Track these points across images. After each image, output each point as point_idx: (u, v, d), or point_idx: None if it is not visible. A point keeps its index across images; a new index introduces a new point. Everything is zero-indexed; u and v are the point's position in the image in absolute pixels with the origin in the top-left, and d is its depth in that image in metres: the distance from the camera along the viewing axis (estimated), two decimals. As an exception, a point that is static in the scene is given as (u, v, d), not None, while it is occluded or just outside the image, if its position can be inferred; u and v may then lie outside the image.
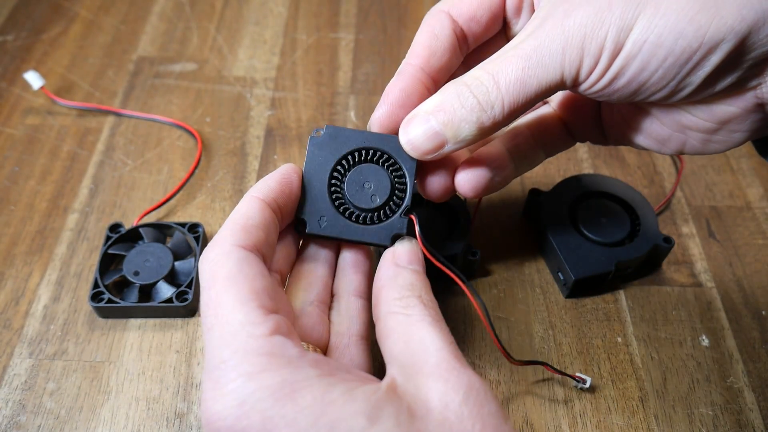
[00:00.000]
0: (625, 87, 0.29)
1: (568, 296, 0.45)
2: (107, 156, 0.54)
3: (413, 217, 0.34)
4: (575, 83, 0.29)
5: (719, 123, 0.30)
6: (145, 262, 0.45)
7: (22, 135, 0.55)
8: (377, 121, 0.34)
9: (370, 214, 0.34)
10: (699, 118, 0.30)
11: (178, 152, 0.54)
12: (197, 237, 0.47)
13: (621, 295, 0.46)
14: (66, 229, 0.49)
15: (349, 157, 0.34)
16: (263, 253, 0.30)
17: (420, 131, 0.31)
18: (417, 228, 0.33)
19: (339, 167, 0.34)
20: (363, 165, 0.34)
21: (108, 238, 0.46)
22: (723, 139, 0.31)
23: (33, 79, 0.56)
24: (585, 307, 0.45)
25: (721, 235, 0.50)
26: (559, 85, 0.29)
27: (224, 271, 0.28)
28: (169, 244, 0.46)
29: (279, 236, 0.33)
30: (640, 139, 0.34)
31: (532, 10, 0.34)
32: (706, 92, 0.28)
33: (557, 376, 0.41)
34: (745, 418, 0.40)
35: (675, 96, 0.29)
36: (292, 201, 0.33)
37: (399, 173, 0.34)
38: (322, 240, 0.35)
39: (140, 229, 0.47)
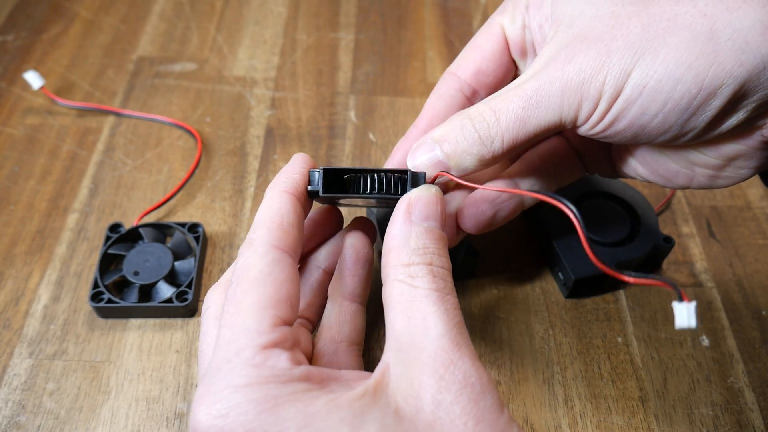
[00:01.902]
0: (626, 130, 0.29)
1: (568, 296, 0.45)
2: (107, 156, 0.54)
3: (444, 172, 0.32)
4: (574, 125, 0.30)
5: (726, 160, 0.31)
6: (145, 262, 0.44)
7: (22, 135, 0.55)
8: None
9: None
10: (707, 155, 0.31)
11: (178, 152, 0.54)
12: (197, 237, 0.47)
13: (621, 295, 0.46)
14: (66, 229, 0.49)
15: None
16: (297, 253, 0.30)
17: (425, 159, 0.32)
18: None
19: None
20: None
21: (108, 238, 0.46)
22: (729, 175, 0.32)
23: (33, 79, 0.56)
24: (585, 307, 0.45)
25: (721, 235, 0.50)
26: (558, 126, 0.30)
27: (255, 271, 0.28)
28: (169, 244, 0.46)
29: None
30: (648, 174, 0.35)
31: (536, 52, 0.34)
32: (712, 134, 0.29)
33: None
34: (746, 418, 0.40)
35: (681, 138, 0.29)
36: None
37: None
38: (331, 203, 0.34)
39: (140, 229, 0.47)
